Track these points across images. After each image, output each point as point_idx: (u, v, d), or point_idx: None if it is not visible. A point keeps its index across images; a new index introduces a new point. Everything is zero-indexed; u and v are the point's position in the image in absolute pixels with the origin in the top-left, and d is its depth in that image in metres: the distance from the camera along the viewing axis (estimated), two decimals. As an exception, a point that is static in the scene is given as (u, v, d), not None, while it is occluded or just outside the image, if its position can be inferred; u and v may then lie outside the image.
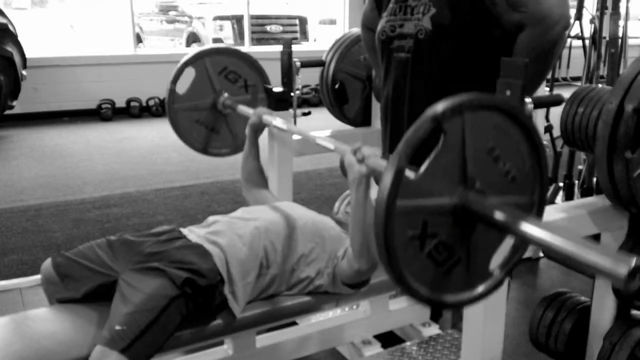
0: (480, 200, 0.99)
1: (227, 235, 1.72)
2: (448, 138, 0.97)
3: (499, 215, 0.97)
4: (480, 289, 1.07)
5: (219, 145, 2.40)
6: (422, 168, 0.96)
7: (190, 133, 2.34)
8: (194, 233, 1.76)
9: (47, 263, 1.71)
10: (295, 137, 2.45)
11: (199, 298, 1.59)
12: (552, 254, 0.94)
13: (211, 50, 2.33)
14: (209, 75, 2.30)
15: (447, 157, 0.98)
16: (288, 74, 2.36)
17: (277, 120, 2.00)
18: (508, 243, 1.08)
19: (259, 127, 2.07)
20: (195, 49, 2.32)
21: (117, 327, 1.45)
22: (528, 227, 0.94)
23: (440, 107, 0.96)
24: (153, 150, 5.36)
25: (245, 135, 2.09)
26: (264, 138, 2.46)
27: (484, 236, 1.04)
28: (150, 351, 1.49)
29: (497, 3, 1.57)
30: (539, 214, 1.11)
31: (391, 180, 0.91)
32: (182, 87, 2.30)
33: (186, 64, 2.28)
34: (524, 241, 1.04)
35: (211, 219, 1.85)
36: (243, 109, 2.22)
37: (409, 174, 0.95)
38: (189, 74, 2.32)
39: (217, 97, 2.32)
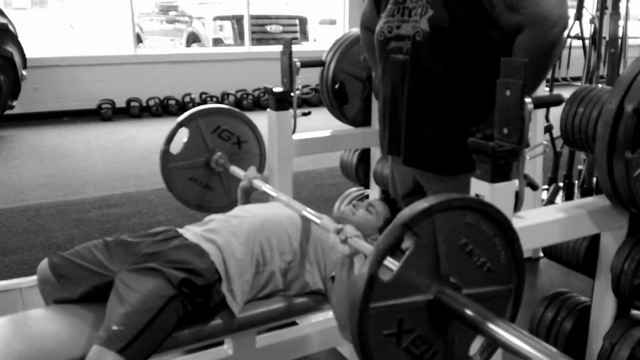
0: (454, 296, 1.02)
1: (223, 234, 1.73)
2: (420, 240, 1.00)
3: (469, 313, 0.99)
4: None
5: (213, 201, 2.42)
6: (396, 269, 0.99)
7: (184, 191, 2.37)
8: (190, 232, 1.77)
9: (44, 263, 1.71)
10: (296, 136, 2.46)
11: (196, 298, 1.59)
12: (519, 357, 0.95)
13: (203, 111, 2.34)
14: (202, 135, 2.32)
15: (420, 258, 1.01)
16: (288, 74, 2.36)
17: (266, 186, 2.06)
18: None
19: (250, 191, 2.13)
20: (189, 111, 2.34)
21: (114, 328, 1.45)
22: (496, 329, 0.96)
23: (409, 211, 0.99)
24: (153, 150, 5.34)
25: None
26: (263, 137, 2.46)
27: (461, 328, 1.05)
28: (148, 351, 1.50)
29: (495, 5, 1.57)
30: (517, 301, 1.14)
31: (364, 286, 0.94)
32: (175, 145, 2.32)
33: (180, 124, 2.30)
34: (492, 341, 1.04)
35: (207, 217, 1.86)
36: (235, 170, 2.26)
37: (390, 262, 0.99)
38: (183, 133, 2.33)
39: (211, 156, 2.34)
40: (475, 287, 1.06)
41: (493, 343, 1.07)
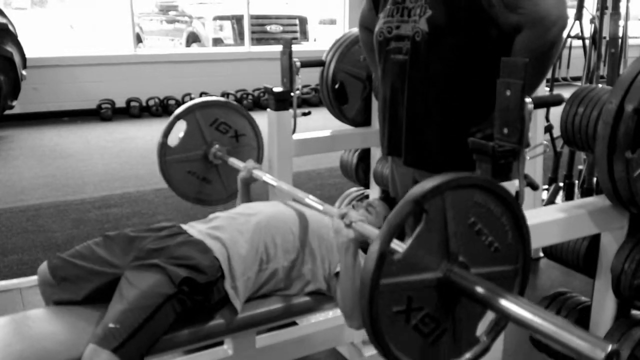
0: (463, 275, 1.03)
1: (228, 231, 1.72)
2: (430, 217, 1.00)
3: (479, 290, 1.00)
4: (467, 356, 1.09)
5: (211, 194, 2.42)
6: (406, 246, 1.00)
7: (182, 184, 2.36)
8: (194, 228, 1.77)
9: (44, 266, 1.70)
10: (296, 136, 2.46)
11: (196, 296, 1.59)
12: (531, 332, 0.97)
13: (202, 104, 2.34)
14: (200, 128, 2.32)
15: (430, 235, 1.02)
16: (288, 74, 2.36)
17: (266, 176, 2.04)
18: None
19: (249, 181, 2.11)
20: (187, 104, 2.33)
21: (111, 325, 1.44)
22: (507, 304, 0.98)
23: (420, 189, 1.00)
24: (153, 150, 5.28)
25: (236, 185, 2.13)
26: (263, 138, 2.46)
27: (469, 307, 1.07)
28: (143, 349, 1.49)
29: (494, 4, 1.57)
30: (523, 281, 1.15)
31: (374, 262, 0.95)
32: (173, 139, 2.32)
33: (177, 117, 2.29)
34: (503, 317, 1.06)
35: (212, 215, 1.85)
36: (234, 162, 2.25)
37: (397, 244, 0.99)
38: (180, 126, 2.33)
39: (209, 149, 2.34)
40: (483, 267, 1.07)
41: (503, 319, 1.09)
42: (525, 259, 1.14)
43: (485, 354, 1.12)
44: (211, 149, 2.33)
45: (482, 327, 1.12)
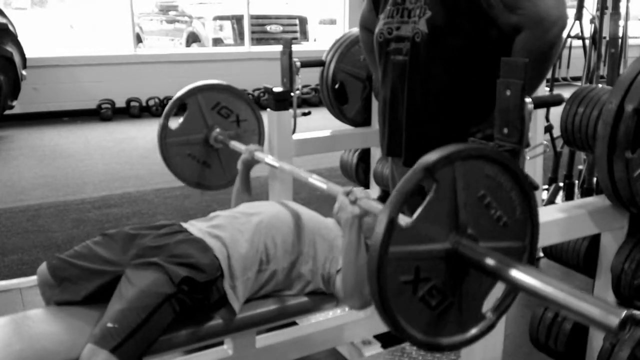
0: (472, 246, 1.02)
1: (228, 230, 1.72)
2: (440, 187, 1.00)
3: (489, 262, 1.00)
4: (473, 331, 1.09)
5: (211, 179, 2.41)
6: (415, 215, 0.99)
7: (182, 167, 2.36)
8: (195, 227, 1.76)
9: (43, 267, 1.69)
10: (296, 136, 2.46)
11: (196, 295, 1.59)
12: (542, 301, 0.96)
13: (204, 87, 2.34)
14: (201, 111, 2.32)
15: (439, 205, 1.01)
16: (288, 74, 2.36)
17: (268, 157, 2.04)
18: (500, 287, 1.11)
19: (251, 163, 2.10)
20: (189, 86, 2.33)
21: (109, 325, 1.44)
22: (518, 274, 0.97)
23: (431, 157, 0.99)
24: (153, 150, 5.32)
25: (237, 170, 2.11)
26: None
27: (476, 281, 1.07)
28: (142, 349, 1.48)
29: (493, 5, 1.57)
30: (531, 258, 1.15)
31: (384, 228, 0.94)
32: (174, 122, 2.32)
33: (179, 99, 2.29)
34: (514, 288, 1.06)
35: (212, 213, 1.85)
36: (235, 145, 2.25)
37: (403, 218, 0.98)
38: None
39: (210, 132, 2.33)
40: (491, 241, 1.07)
41: (511, 295, 1.09)
42: (532, 237, 1.13)
43: (491, 331, 1.11)
44: (212, 133, 2.32)
45: (487, 305, 1.12)
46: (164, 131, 2.29)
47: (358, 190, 1.50)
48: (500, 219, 1.09)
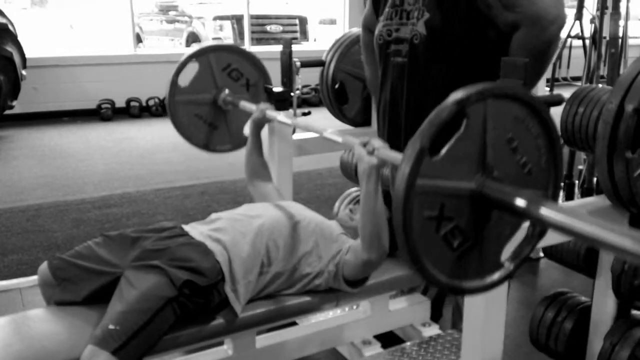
0: (498, 187, 1.01)
1: (230, 233, 1.71)
2: (470, 122, 0.98)
3: (519, 201, 0.97)
4: (490, 278, 1.07)
5: (218, 141, 2.40)
6: (444, 150, 0.97)
7: (188, 127, 2.35)
8: (196, 230, 1.75)
9: (44, 266, 1.69)
10: (296, 136, 2.45)
11: (197, 298, 1.59)
12: (574, 238, 0.94)
13: (217, 47, 2.34)
14: (212, 71, 2.30)
15: (468, 142, 0.99)
16: (288, 74, 2.36)
17: (280, 115, 2.01)
18: (519, 237, 1.09)
19: (261, 123, 2.08)
20: (202, 44, 2.34)
21: (110, 327, 1.43)
22: (549, 212, 0.94)
23: (464, 92, 0.97)
24: (153, 150, 5.36)
25: (242, 134, 2.09)
26: (263, 138, 2.45)
27: (498, 224, 1.05)
28: (142, 351, 1.48)
29: (491, 5, 1.56)
30: None
31: (414, 158, 0.92)
32: (184, 80, 2.31)
33: (191, 57, 2.29)
34: (543, 226, 1.03)
35: (214, 215, 1.84)
36: (245, 105, 2.23)
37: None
38: (192, 68, 2.32)
39: (219, 93, 2.33)
40: (514, 187, 1.04)
41: (541, 229, 1.07)
42: (555, 189, 1.11)
43: (507, 280, 1.10)
44: (221, 94, 2.32)
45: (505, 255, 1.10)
46: (174, 88, 2.28)
47: (376, 141, 1.46)
48: (525, 165, 1.07)
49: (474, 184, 1.01)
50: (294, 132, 2.44)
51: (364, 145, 1.46)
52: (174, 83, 2.28)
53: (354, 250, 1.68)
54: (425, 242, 0.98)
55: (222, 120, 2.38)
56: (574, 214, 0.92)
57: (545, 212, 0.95)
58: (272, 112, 2.04)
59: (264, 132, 2.42)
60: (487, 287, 1.08)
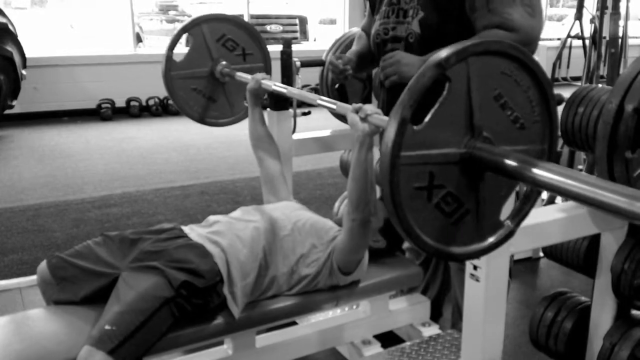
0: (488, 149, 0.97)
1: (227, 236, 1.72)
2: (453, 85, 0.95)
3: (509, 163, 0.95)
4: (491, 239, 1.05)
5: (216, 115, 2.37)
6: (427, 117, 0.94)
7: (187, 102, 2.32)
8: (195, 232, 1.76)
9: (43, 265, 1.69)
10: (296, 136, 2.45)
11: (195, 299, 1.59)
12: (567, 196, 0.90)
13: (209, 17, 2.28)
14: (206, 43, 2.26)
15: (453, 106, 0.96)
16: (288, 73, 2.36)
17: (275, 84, 1.98)
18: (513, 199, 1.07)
19: (258, 92, 2.07)
20: (193, 16, 2.30)
21: (107, 327, 1.43)
22: (540, 172, 0.92)
23: (444, 53, 0.93)
24: (153, 150, 5.36)
25: (243, 105, 2.07)
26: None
27: (493, 186, 1.02)
28: (139, 352, 1.48)
29: (477, 8, 1.60)
30: (550, 161, 1.08)
31: (395, 130, 0.89)
32: (179, 55, 2.29)
33: (183, 29, 2.25)
34: (536, 187, 0.99)
35: (212, 218, 1.84)
36: (242, 75, 2.20)
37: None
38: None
39: (215, 65, 2.29)
40: (507, 145, 1.01)
41: (536, 189, 1.04)
42: (552, 139, 1.08)
43: (509, 239, 1.06)
44: (217, 66, 2.29)
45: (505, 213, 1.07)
46: (169, 63, 2.25)
47: (368, 107, 1.44)
48: (517, 120, 1.02)
49: (463, 147, 0.98)
50: (294, 131, 2.44)
51: (357, 111, 1.44)
52: (169, 58, 2.24)
53: (341, 234, 1.69)
54: (417, 212, 0.95)
55: (221, 92, 2.34)
56: (567, 173, 0.89)
57: (538, 171, 0.92)
58: (267, 82, 2.01)
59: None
60: (488, 249, 1.05)
